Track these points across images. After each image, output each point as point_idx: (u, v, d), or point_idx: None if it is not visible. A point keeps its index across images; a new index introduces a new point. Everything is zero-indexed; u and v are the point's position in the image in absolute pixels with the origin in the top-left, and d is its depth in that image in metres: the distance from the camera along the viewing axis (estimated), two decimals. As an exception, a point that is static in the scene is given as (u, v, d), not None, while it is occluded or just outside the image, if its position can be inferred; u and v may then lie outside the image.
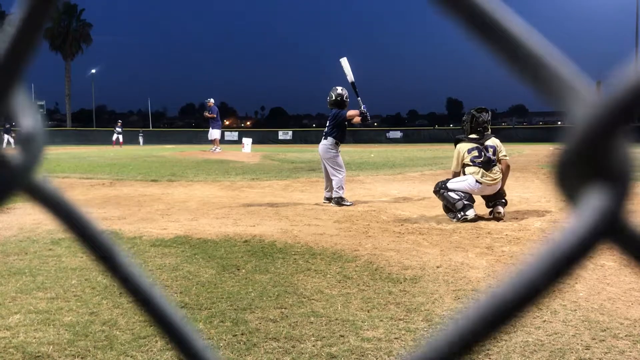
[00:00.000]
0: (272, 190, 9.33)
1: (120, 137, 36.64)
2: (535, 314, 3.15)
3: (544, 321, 3.05)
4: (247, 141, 24.50)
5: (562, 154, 0.26)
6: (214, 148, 21.25)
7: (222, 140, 48.72)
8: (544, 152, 23.27)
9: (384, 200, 8.11)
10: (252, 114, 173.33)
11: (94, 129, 55.47)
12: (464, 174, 6.52)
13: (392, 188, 9.70)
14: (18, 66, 0.34)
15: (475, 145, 6.50)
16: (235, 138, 47.14)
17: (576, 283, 3.74)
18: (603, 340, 2.79)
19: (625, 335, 2.85)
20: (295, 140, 49.64)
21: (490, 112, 6.78)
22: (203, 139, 47.18)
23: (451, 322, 0.29)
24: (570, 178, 0.27)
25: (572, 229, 0.26)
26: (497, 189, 6.44)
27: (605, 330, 2.92)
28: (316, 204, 7.61)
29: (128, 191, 9.20)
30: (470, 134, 6.63)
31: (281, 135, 52.00)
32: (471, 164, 6.45)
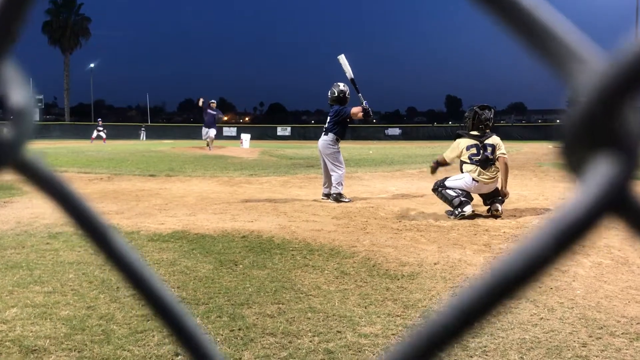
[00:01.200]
0: (271, 186, 9.33)
1: (102, 134, 36.44)
2: (532, 311, 3.16)
3: (541, 318, 3.05)
4: (245, 137, 24.51)
5: (568, 124, 0.26)
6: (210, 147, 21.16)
7: (221, 136, 48.74)
8: (542, 150, 23.29)
9: (382, 197, 8.11)
10: (251, 109, 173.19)
11: (93, 123, 55.33)
12: (461, 172, 6.52)
13: (391, 185, 9.70)
14: (6, 35, 0.34)
15: (475, 142, 6.47)
16: (234, 134, 47.10)
17: (573, 281, 3.75)
18: (600, 338, 2.79)
19: (622, 333, 2.85)
20: (294, 136, 49.64)
21: (493, 110, 6.72)
22: (201, 135, 47.17)
23: (455, 295, 0.28)
24: (576, 149, 0.26)
25: (577, 200, 0.26)
26: (494, 188, 6.44)
27: (602, 327, 2.93)
28: (314, 200, 7.61)
29: (126, 186, 9.20)
30: (472, 130, 6.57)
31: (280, 131, 52.00)
32: (469, 161, 6.44)
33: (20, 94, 0.35)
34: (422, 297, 3.46)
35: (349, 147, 26.21)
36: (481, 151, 6.41)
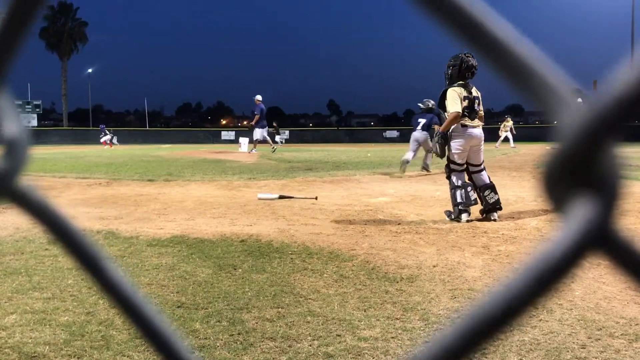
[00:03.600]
0: (269, 189, 9.32)
1: (107, 138, 36.46)
2: (530, 313, 3.15)
3: (540, 320, 3.06)
4: (243, 141, 24.53)
5: (550, 162, 0.26)
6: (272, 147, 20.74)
7: (219, 140, 48.56)
8: (539, 151, 23.29)
9: (380, 200, 8.11)
10: (249, 113, 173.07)
11: (91, 128, 55.33)
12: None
13: (389, 187, 9.70)
14: (1, 68, 0.34)
15: (465, 93, 6.38)
16: (232, 137, 47.09)
17: (572, 282, 3.75)
18: (599, 339, 2.80)
19: (621, 334, 2.86)
20: (292, 139, 49.64)
21: (475, 59, 6.42)
22: (200, 139, 47.16)
23: (435, 336, 0.29)
24: (558, 186, 0.27)
25: (559, 239, 0.26)
26: (482, 142, 6.50)
27: (601, 329, 2.93)
28: (313, 204, 7.61)
29: (125, 191, 9.19)
30: (457, 79, 6.42)
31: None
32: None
33: (14, 125, 0.36)
34: (422, 299, 3.46)
35: (347, 150, 26.24)
36: (471, 102, 6.39)
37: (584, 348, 2.70)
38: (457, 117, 6.34)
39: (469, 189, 6.31)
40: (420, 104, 14.37)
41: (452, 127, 6.43)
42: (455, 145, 6.42)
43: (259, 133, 20.89)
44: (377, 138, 49.55)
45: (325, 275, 4.01)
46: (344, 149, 28.33)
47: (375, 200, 8.09)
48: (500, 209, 6.37)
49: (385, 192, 9.02)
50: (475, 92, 6.47)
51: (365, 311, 3.25)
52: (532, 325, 2.97)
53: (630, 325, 2.99)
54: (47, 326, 3.00)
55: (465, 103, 6.34)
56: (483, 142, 6.56)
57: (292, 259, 4.46)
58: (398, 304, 3.38)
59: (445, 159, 6.66)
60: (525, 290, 0.27)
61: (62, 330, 2.94)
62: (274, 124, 40.23)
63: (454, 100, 6.34)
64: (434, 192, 8.92)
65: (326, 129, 66.11)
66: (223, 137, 49.84)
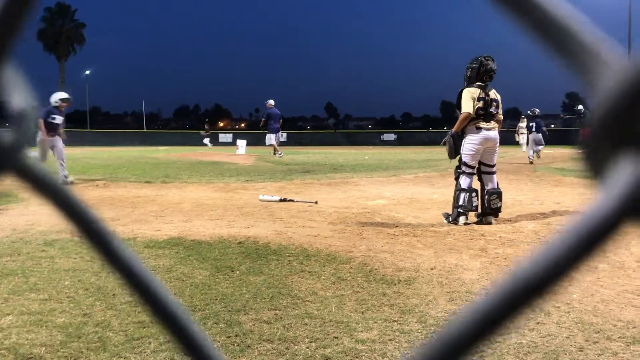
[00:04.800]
0: (267, 191, 9.31)
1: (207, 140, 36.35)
2: (528, 315, 3.15)
3: (538, 323, 3.06)
4: (241, 143, 24.52)
5: (591, 125, 0.25)
6: (278, 153, 20.15)
7: (216, 142, 48.49)
8: (572, 153, 23.29)
9: (378, 202, 8.11)
10: (247, 115, 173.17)
11: (88, 130, 55.28)
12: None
13: (386, 190, 9.70)
14: (7, 38, 0.33)
15: (482, 95, 6.31)
16: (230, 140, 47.08)
17: (569, 285, 3.75)
18: (596, 342, 2.80)
19: (619, 337, 2.86)
20: (290, 142, 49.61)
21: (495, 63, 6.42)
22: (196, 141, 47.12)
23: (473, 302, 0.28)
24: (599, 150, 0.25)
25: (600, 204, 0.25)
26: (497, 144, 6.42)
27: (598, 332, 2.94)
28: (310, 206, 7.61)
29: (122, 192, 9.18)
30: (476, 81, 6.35)
31: (276, 137, 51.92)
32: (474, 115, 6.31)
33: (21, 97, 0.35)
34: (419, 302, 3.46)
35: (344, 153, 26.25)
36: (487, 104, 6.32)
37: (582, 351, 2.70)
38: (468, 117, 6.30)
39: (473, 194, 6.28)
40: (529, 112, 19.73)
41: (468, 128, 6.37)
42: (469, 147, 6.35)
43: (271, 138, 20.26)
44: (374, 141, 49.59)
45: (322, 277, 4.00)
46: (341, 152, 28.34)
47: (372, 202, 8.09)
48: (498, 216, 6.37)
49: (382, 195, 9.02)
50: (493, 94, 6.42)
51: (362, 313, 3.25)
52: (529, 328, 2.97)
53: (628, 328, 2.99)
54: (44, 327, 2.99)
55: (480, 104, 6.29)
56: (498, 144, 6.49)
57: (289, 261, 4.45)
58: (395, 306, 3.38)
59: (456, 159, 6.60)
60: (566, 255, 0.26)
61: (59, 331, 2.93)
62: (206, 126, 40.15)
63: (467, 100, 6.31)
64: (431, 194, 8.92)
65: (324, 131, 66.17)
66: (220, 140, 49.83)
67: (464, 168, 6.37)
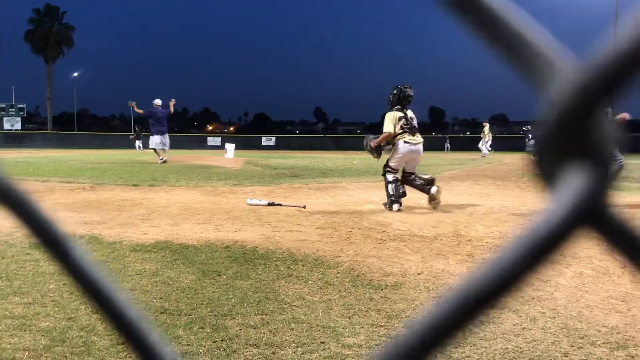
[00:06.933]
0: (255, 196, 9.29)
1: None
2: (514, 321, 3.18)
3: (523, 328, 3.07)
4: (229, 147, 24.46)
5: (540, 133, 0.25)
6: (160, 158, 18.18)
7: (205, 145, 48.27)
8: (524, 161, 23.50)
9: (366, 207, 8.12)
10: (236, 119, 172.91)
11: (76, 132, 54.89)
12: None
13: (375, 195, 9.71)
14: None
15: (402, 114, 7.94)
16: (218, 143, 47.01)
17: (555, 291, 3.78)
18: (581, 348, 2.82)
19: (603, 343, 2.88)
20: (279, 146, 49.62)
21: (412, 90, 8.16)
22: (187, 144, 46.97)
23: (424, 313, 0.28)
24: (549, 158, 0.25)
25: (550, 213, 0.25)
26: (419, 155, 8.01)
27: (583, 337, 2.95)
28: (299, 210, 7.60)
29: (109, 195, 9.11)
30: (397, 105, 8.01)
31: (264, 141, 51.97)
32: (400, 130, 7.88)
33: None
34: (406, 307, 3.46)
35: (332, 157, 26.27)
36: (409, 121, 7.93)
37: (567, 356, 2.72)
38: (388, 136, 7.97)
39: (398, 183, 7.86)
40: (529, 126, 22.28)
41: (397, 141, 7.92)
42: (397, 156, 7.95)
43: (154, 141, 18.43)
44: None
45: (310, 282, 4.00)
46: (330, 156, 28.36)
47: (360, 207, 8.11)
48: (435, 182, 7.84)
49: (370, 200, 9.04)
50: (411, 113, 8.05)
51: (349, 318, 3.25)
52: (515, 334, 2.98)
53: (612, 333, 3.01)
54: (27, 332, 2.95)
55: (402, 122, 7.92)
56: (421, 155, 8.09)
57: (276, 265, 4.44)
58: (382, 311, 3.38)
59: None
60: (517, 263, 0.26)
61: (43, 335, 2.90)
62: (136, 128, 40.01)
63: (388, 122, 7.97)
64: (418, 200, 8.95)
65: (313, 136, 66.19)
66: (209, 143, 49.72)
67: (389, 169, 7.99)
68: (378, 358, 0.30)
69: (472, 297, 0.27)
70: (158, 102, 18.64)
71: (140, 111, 18.79)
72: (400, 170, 8.06)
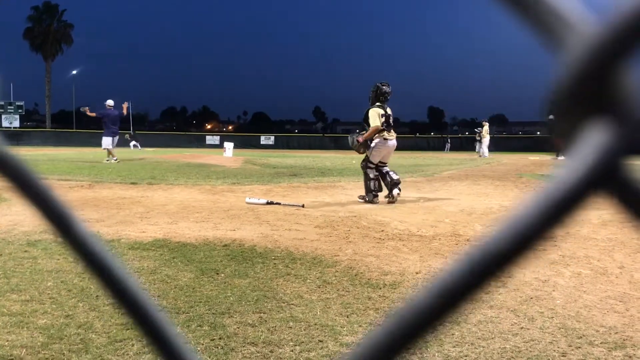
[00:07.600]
0: (254, 194, 9.29)
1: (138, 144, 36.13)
2: (512, 320, 3.18)
3: (521, 328, 3.07)
4: (228, 145, 24.45)
5: (559, 91, 0.24)
6: (114, 158, 18.21)
7: (204, 144, 48.24)
8: (523, 161, 23.54)
9: (364, 206, 8.12)
10: (235, 118, 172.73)
11: (74, 130, 54.81)
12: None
13: (373, 194, 9.72)
14: None
15: (382, 112, 8.57)
16: (217, 142, 46.97)
17: (553, 290, 3.78)
18: (579, 347, 2.82)
19: (601, 343, 2.88)
20: (278, 145, 49.60)
21: (390, 87, 8.80)
22: (185, 142, 46.96)
23: (444, 268, 0.28)
24: (568, 117, 0.24)
25: (567, 174, 0.25)
26: (394, 149, 8.86)
27: (581, 337, 2.96)
28: (297, 209, 7.60)
29: (107, 194, 9.10)
30: (376, 102, 8.65)
31: (263, 140, 51.93)
32: (381, 127, 8.54)
33: None
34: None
35: (331, 157, 26.28)
36: (387, 118, 8.60)
37: (565, 356, 2.72)
38: (376, 130, 8.56)
39: (377, 180, 8.54)
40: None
41: (376, 138, 8.62)
42: (377, 152, 8.66)
43: (107, 141, 18.53)
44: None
45: (308, 280, 3.99)
46: (329, 156, 28.37)
47: (359, 206, 8.10)
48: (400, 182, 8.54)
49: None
50: (389, 111, 8.71)
51: (347, 317, 3.25)
52: (513, 333, 2.98)
53: (610, 333, 3.01)
54: (25, 329, 2.95)
55: (383, 119, 8.56)
56: (394, 149, 8.92)
57: (275, 264, 4.44)
58: (381, 310, 3.38)
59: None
60: (531, 224, 0.25)
61: (40, 333, 2.89)
62: (130, 131, 40.37)
63: (374, 117, 8.54)
64: (417, 199, 8.96)
65: (312, 135, 66.19)
66: (207, 142, 49.69)
67: (369, 164, 8.67)
68: (349, 356, 0.29)
69: (487, 259, 0.26)
70: (110, 102, 19.01)
71: (93, 114, 19.08)
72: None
